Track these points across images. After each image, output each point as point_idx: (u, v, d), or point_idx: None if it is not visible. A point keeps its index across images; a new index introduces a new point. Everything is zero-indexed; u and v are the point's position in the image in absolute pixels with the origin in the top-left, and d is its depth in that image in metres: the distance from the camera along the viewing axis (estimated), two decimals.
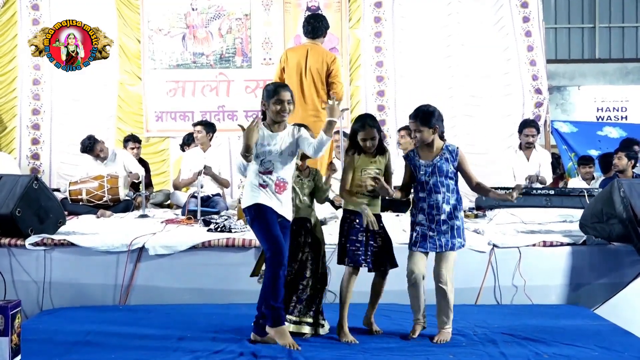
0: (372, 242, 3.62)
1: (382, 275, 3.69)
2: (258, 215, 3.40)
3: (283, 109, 3.41)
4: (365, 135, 3.60)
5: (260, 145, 3.42)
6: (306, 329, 3.63)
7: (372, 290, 3.73)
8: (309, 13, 7.71)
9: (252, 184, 3.45)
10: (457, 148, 3.67)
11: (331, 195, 6.75)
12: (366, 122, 3.62)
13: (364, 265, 3.62)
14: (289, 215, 3.51)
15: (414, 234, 3.67)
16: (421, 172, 3.65)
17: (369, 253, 3.60)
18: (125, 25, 8.08)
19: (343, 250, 3.65)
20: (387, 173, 3.71)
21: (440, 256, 3.63)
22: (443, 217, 3.59)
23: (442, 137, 3.70)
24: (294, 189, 3.67)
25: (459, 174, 3.69)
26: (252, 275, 3.82)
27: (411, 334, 3.65)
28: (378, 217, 3.64)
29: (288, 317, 3.60)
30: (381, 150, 3.69)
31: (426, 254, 3.66)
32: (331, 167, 3.76)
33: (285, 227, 3.48)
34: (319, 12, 7.88)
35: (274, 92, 3.43)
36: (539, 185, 6.51)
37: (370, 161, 3.65)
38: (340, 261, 3.67)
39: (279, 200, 3.43)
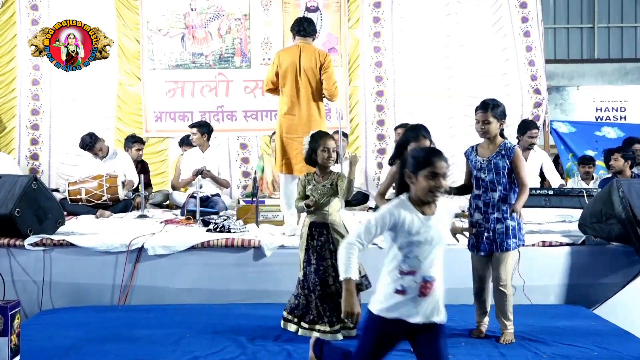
0: None
1: None
2: (373, 329, 2.57)
3: (437, 185, 2.51)
4: (419, 146, 3.50)
5: (408, 234, 2.50)
6: (339, 336, 3.59)
7: None
8: (308, 13, 7.74)
9: (389, 285, 2.54)
10: (515, 146, 3.61)
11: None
12: (420, 132, 3.59)
13: None
14: (439, 316, 2.53)
15: (472, 236, 3.65)
16: (477, 168, 3.62)
17: None
18: (125, 26, 8.08)
19: None
20: None
21: (497, 257, 3.59)
22: (498, 215, 3.55)
23: (502, 135, 3.67)
24: (310, 195, 3.65)
25: None
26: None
27: (474, 334, 3.70)
28: None
29: (319, 327, 3.58)
30: None
31: (487, 256, 3.63)
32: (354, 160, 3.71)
33: (435, 332, 2.53)
34: (318, 12, 7.90)
35: (429, 165, 2.52)
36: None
37: None
38: None
39: (424, 305, 2.50)
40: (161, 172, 8.09)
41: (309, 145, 3.69)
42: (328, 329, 3.58)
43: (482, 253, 3.62)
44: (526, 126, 6.78)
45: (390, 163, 3.69)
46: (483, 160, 3.60)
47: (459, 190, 3.78)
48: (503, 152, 3.57)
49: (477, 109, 3.64)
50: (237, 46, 8.08)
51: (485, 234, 3.59)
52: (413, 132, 3.64)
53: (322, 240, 3.63)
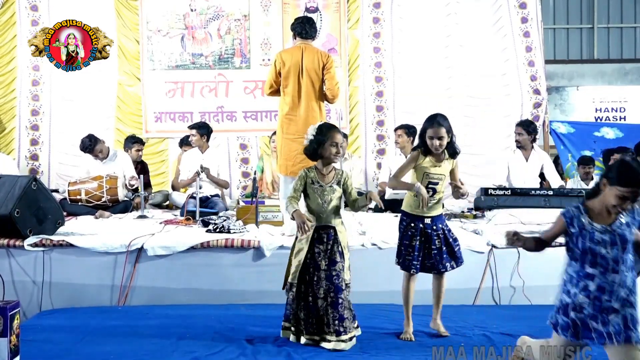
0: (429, 245, 3.52)
1: (440, 276, 3.63)
2: None
3: None
4: (432, 133, 3.46)
5: None
6: (330, 345, 3.44)
7: (433, 293, 3.66)
8: (307, 14, 7.74)
9: None
10: None
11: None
12: (435, 120, 3.48)
13: (413, 272, 3.55)
14: None
15: (567, 319, 2.75)
16: (595, 240, 2.67)
17: (421, 257, 3.51)
18: (124, 26, 8.09)
19: (399, 252, 3.61)
20: (454, 177, 3.60)
21: (622, 351, 2.60)
22: (616, 305, 2.62)
23: None
24: (313, 195, 3.51)
25: None
26: (283, 288, 3.61)
27: None
28: (439, 218, 3.58)
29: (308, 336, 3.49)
30: (452, 154, 3.57)
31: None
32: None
33: None
34: (318, 12, 7.91)
35: None
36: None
37: (436, 164, 3.52)
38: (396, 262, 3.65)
39: None
40: (161, 173, 8.10)
41: (314, 137, 3.49)
42: (334, 338, 3.43)
43: (589, 342, 2.69)
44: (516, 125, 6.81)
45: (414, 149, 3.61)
46: (603, 230, 2.66)
47: (536, 243, 3.02)
48: (627, 219, 2.65)
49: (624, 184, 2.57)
50: (237, 47, 8.09)
51: (593, 323, 2.65)
52: (430, 120, 3.51)
53: (330, 243, 3.49)
